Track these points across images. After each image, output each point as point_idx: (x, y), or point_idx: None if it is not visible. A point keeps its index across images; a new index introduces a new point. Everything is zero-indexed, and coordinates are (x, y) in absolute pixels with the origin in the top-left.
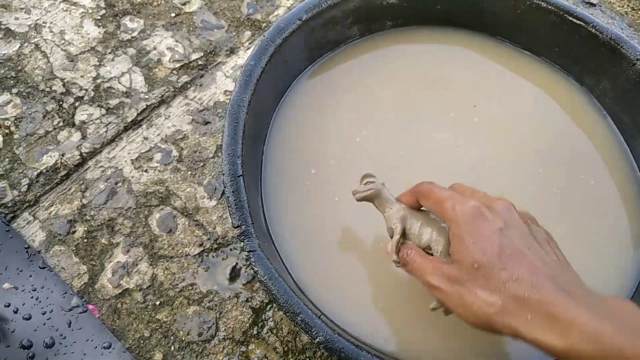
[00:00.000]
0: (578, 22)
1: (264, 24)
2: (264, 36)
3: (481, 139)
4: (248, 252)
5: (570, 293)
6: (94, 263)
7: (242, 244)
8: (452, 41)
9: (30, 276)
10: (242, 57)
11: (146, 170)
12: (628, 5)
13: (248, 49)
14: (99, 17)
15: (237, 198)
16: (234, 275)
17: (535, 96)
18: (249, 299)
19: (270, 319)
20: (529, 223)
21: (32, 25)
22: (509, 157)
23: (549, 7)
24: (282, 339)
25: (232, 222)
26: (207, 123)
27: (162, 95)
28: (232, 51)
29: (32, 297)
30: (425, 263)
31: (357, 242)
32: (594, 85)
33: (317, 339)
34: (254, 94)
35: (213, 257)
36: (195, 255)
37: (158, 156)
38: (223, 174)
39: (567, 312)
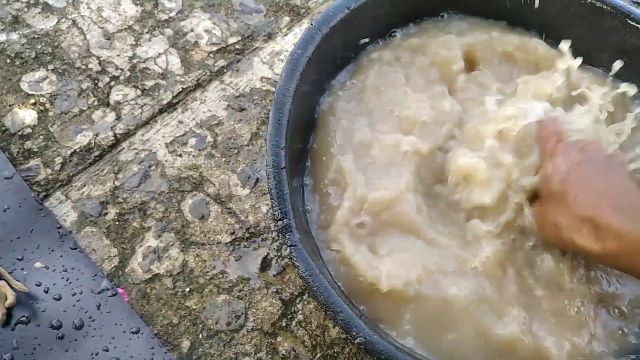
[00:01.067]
0: (635, 24)
1: (303, 10)
2: (311, 24)
3: None
4: (289, 246)
5: (619, 208)
6: (124, 246)
7: (284, 238)
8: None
9: (62, 256)
10: (280, 43)
11: (180, 155)
12: None
13: (286, 34)
14: None
15: (280, 191)
16: (264, 265)
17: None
18: (279, 291)
19: (300, 312)
20: (613, 159)
21: (70, 1)
22: None
23: (605, 7)
24: (310, 332)
25: (274, 215)
26: (242, 110)
27: (198, 79)
28: (269, 36)
29: (62, 278)
30: None
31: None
32: None
33: (357, 340)
34: (299, 84)
35: (245, 246)
36: (226, 243)
37: (192, 141)
38: (267, 165)
39: (608, 222)
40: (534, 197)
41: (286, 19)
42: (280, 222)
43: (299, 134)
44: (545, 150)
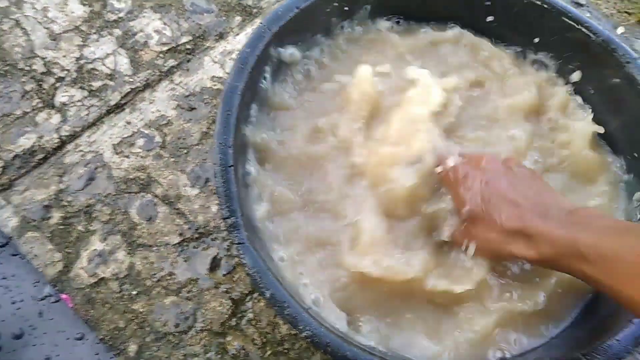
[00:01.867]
0: (571, 22)
1: (255, 10)
2: (261, 23)
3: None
4: (237, 244)
5: (545, 215)
6: (69, 250)
7: (231, 236)
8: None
9: (1, 264)
10: (231, 43)
11: (127, 156)
12: (614, 7)
13: (238, 34)
14: None
15: (227, 189)
16: (214, 265)
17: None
18: (229, 290)
19: (250, 310)
20: (511, 166)
21: (13, 1)
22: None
23: (544, 5)
24: (260, 330)
25: (221, 214)
26: (192, 109)
27: (148, 79)
28: (221, 36)
29: (1, 286)
30: None
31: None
32: (583, 85)
33: (304, 333)
34: (247, 82)
35: (194, 247)
36: (175, 244)
37: (141, 142)
38: (214, 164)
39: (537, 230)
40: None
41: (238, 18)
42: (227, 220)
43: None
44: (447, 182)
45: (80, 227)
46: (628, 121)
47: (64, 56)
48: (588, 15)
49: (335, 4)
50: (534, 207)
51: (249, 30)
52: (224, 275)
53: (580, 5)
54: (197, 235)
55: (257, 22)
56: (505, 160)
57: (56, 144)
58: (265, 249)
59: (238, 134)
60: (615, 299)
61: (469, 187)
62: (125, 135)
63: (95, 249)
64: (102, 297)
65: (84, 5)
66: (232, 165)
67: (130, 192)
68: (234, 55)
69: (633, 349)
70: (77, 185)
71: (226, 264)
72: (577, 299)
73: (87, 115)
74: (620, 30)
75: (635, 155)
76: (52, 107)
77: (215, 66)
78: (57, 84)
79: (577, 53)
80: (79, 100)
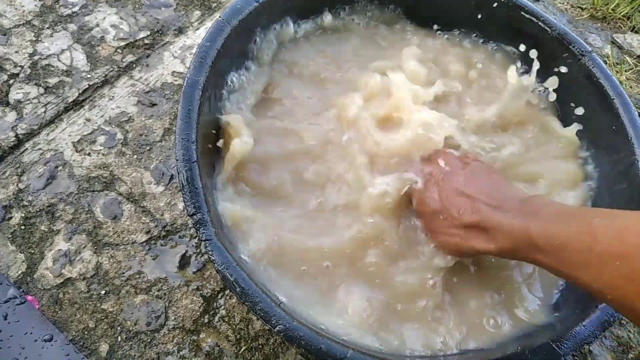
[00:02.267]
0: (529, 16)
1: (214, 4)
2: (220, 17)
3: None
4: (204, 241)
5: (499, 207)
6: (32, 251)
7: (198, 232)
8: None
9: None
10: (191, 38)
11: (89, 154)
12: (567, 2)
13: (197, 29)
14: None
15: (192, 185)
16: (183, 263)
17: (484, 84)
18: (200, 288)
19: (222, 307)
20: (467, 162)
21: None
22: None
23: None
24: (234, 327)
25: (186, 211)
26: (153, 105)
27: (106, 75)
28: (180, 31)
29: None
30: None
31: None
32: (539, 77)
33: (277, 328)
34: (208, 76)
35: (161, 244)
36: (142, 242)
37: (102, 139)
38: (177, 160)
39: (494, 223)
40: None
41: (197, 13)
42: (194, 217)
43: (212, 126)
44: (413, 192)
45: (43, 227)
46: (584, 113)
47: (16, 52)
48: (543, 9)
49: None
50: (489, 200)
51: (209, 24)
52: (194, 272)
53: (536, 0)
54: (164, 233)
55: (217, 16)
56: (462, 156)
57: (12, 143)
58: (233, 244)
59: (200, 129)
60: (575, 285)
61: (427, 187)
62: (86, 133)
63: (60, 249)
64: (70, 297)
65: None
66: (195, 161)
67: (93, 191)
68: (194, 50)
69: (600, 333)
70: (37, 184)
71: (196, 262)
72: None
73: (44, 112)
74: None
75: (592, 147)
76: (7, 104)
77: (176, 61)
78: (11, 81)
79: (533, 46)
80: (34, 98)
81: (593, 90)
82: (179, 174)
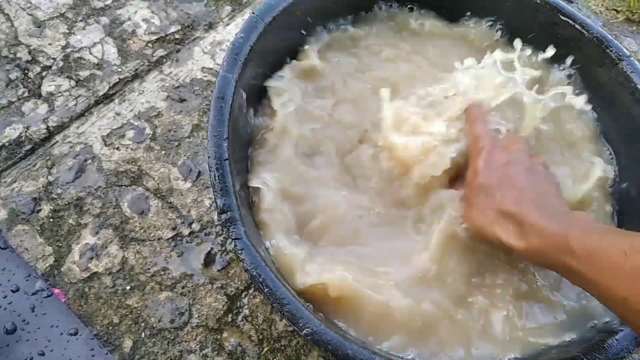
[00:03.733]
0: (566, 19)
1: (245, 0)
2: (253, 13)
3: None
4: (234, 239)
5: (541, 208)
6: (60, 244)
7: (228, 231)
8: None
9: None
10: (221, 33)
11: (117, 148)
12: (602, 5)
13: (228, 24)
14: None
15: (223, 183)
16: (208, 260)
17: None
18: (224, 286)
19: (246, 307)
20: (535, 162)
21: None
22: None
23: (540, 2)
24: (257, 327)
25: (217, 208)
26: (183, 100)
27: (136, 69)
28: (210, 26)
29: None
30: None
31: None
32: (576, 81)
33: (305, 331)
34: (241, 73)
35: (187, 241)
36: (168, 239)
37: (131, 133)
38: (209, 157)
39: (530, 220)
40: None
41: (227, 8)
42: (223, 215)
43: (246, 122)
44: (474, 146)
45: (71, 221)
46: (620, 118)
47: (50, 44)
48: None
49: None
50: (534, 199)
51: (239, 20)
52: (219, 270)
53: (570, 2)
54: (190, 230)
55: (247, 12)
56: (533, 155)
57: (44, 135)
58: (262, 244)
59: (231, 126)
60: (596, 294)
61: (489, 160)
62: (115, 127)
63: (87, 243)
64: (95, 292)
65: None
66: (227, 159)
67: (121, 185)
68: (224, 46)
69: (633, 348)
70: (66, 177)
71: (221, 260)
72: None
73: (75, 105)
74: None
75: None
76: (39, 96)
77: (206, 57)
78: (44, 73)
79: (570, 50)
80: (66, 90)
81: (630, 96)
82: (210, 171)
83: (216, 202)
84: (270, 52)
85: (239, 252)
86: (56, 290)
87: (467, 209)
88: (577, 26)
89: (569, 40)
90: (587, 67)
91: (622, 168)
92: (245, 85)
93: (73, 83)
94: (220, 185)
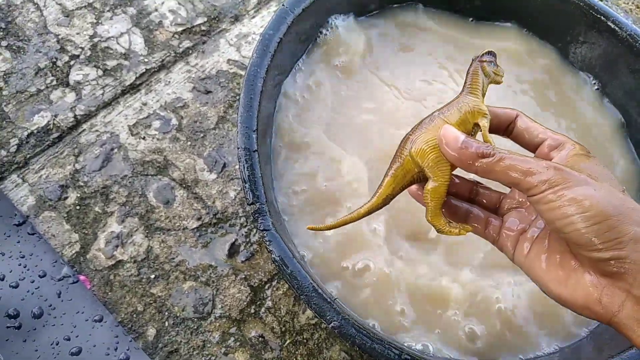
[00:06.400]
0: (599, 16)
1: None
2: (283, 5)
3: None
4: (262, 230)
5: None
6: (86, 232)
7: (256, 222)
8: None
9: (19, 242)
10: (247, 26)
11: (144, 138)
12: (632, 3)
13: (254, 17)
14: None
15: (252, 174)
16: (232, 251)
17: (545, 85)
18: (248, 277)
19: (269, 299)
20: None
21: None
22: None
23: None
24: (279, 319)
25: (246, 199)
26: (208, 92)
27: (163, 60)
28: (236, 18)
29: (20, 265)
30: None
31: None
32: (608, 81)
33: (332, 324)
34: (270, 65)
35: (212, 232)
36: (193, 229)
37: (157, 124)
38: (237, 148)
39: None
40: None
41: (254, 1)
42: (252, 206)
43: (270, 115)
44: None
45: (97, 209)
46: None
47: (78, 33)
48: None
49: None
50: None
51: (265, 13)
52: (243, 262)
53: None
54: (215, 221)
55: (274, 4)
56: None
57: (71, 123)
58: (288, 236)
59: (260, 118)
60: None
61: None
62: (141, 117)
63: (112, 231)
64: (120, 279)
65: None
66: (256, 150)
67: (147, 175)
68: (249, 39)
69: None
70: (93, 165)
71: (245, 251)
72: None
73: (102, 94)
74: None
75: None
76: (67, 85)
77: (231, 49)
78: (72, 62)
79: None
80: (93, 79)
81: None
82: (239, 161)
83: (245, 193)
84: (298, 42)
85: (267, 243)
86: (82, 277)
87: None
88: (609, 24)
89: (601, 37)
90: (618, 65)
91: None
92: (274, 76)
93: (100, 72)
94: (249, 176)
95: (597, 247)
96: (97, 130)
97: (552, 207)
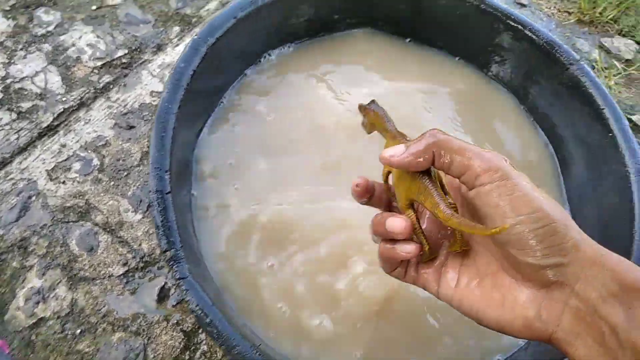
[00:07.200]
0: (516, 25)
1: (195, 19)
2: (195, 35)
3: None
4: (178, 279)
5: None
6: (3, 290)
7: (171, 270)
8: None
9: None
10: (170, 55)
11: (64, 182)
12: (555, 7)
13: (177, 45)
14: (8, 8)
15: (165, 218)
16: (162, 296)
17: (463, 100)
18: (180, 322)
19: (204, 342)
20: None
21: None
22: None
23: (489, 9)
24: None
25: (160, 246)
26: (131, 127)
27: (82, 97)
28: (159, 48)
29: None
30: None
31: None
32: (525, 90)
33: None
34: (183, 100)
35: (139, 277)
36: (119, 275)
37: (77, 165)
38: (149, 192)
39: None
40: None
41: (176, 29)
42: (167, 253)
43: (188, 150)
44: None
45: (14, 264)
46: (572, 122)
47: None
48: (530, 15)
49: (275, 15)
50: None
51: (189, 40)
52: (174, 306)
53: (523, 5)
54: (142, 265)
55: (197, 31)
56: None
57: None
58: (209, 280)
59: (174, 157)
60: None
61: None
62: (60, 160)
63: (32, 287)
64: (43, 338)
65: (8, 18)
66: (169, 192)
67: (68, 222)
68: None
69: None
70: (9, 217)
71: (175, 294)
72: None
73: (16, 139)
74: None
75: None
76: None
77: (154, 80)
78: None
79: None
80: (7, 124)
81: (582, 99)
82: (150, 206)
83: (158, 240)
84: (219, 74)
85: (184, 292)
86: None
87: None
88: (526, 32)
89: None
90: (536, 74)
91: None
92: (189, 110)
93: (14, 116)
94: (162, 221)
95: (542, 252)
96: (12, 179)
97: (502, 200)
